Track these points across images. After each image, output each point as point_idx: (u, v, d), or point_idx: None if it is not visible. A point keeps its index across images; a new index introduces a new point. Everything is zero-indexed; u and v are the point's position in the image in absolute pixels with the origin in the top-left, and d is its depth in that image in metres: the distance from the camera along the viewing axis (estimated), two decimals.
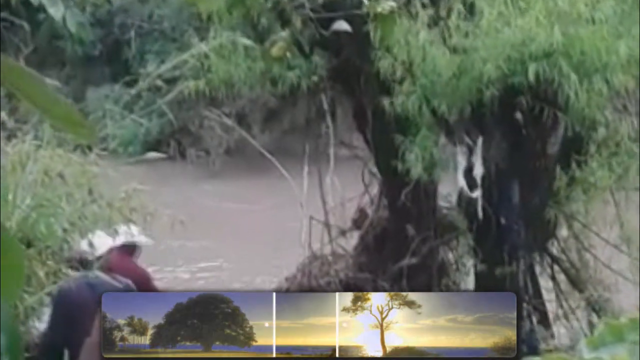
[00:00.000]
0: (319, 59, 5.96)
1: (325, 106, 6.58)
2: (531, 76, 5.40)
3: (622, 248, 6.88)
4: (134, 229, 5.75)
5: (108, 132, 6.68)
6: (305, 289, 7.48)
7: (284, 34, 5.40)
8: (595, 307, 7.33)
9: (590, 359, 1.97)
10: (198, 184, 12.93)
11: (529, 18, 5.31)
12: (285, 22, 5.61)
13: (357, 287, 7.31)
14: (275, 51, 5.37)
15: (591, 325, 7.39)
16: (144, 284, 6.43)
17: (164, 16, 17.10)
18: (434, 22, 5.62)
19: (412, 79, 5.72)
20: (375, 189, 7.14)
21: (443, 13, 5.63)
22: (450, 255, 7.34)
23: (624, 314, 5.14)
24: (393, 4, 3.95)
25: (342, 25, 5.24)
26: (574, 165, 6.16)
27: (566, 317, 7.46)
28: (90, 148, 6.04)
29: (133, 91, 6.77)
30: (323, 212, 7.25)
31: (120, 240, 5.61)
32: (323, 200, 7.12)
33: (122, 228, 5.66)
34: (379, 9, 3.91)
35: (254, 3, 5.61)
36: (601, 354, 1.98)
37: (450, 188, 6.72)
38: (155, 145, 13.96)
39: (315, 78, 6.01)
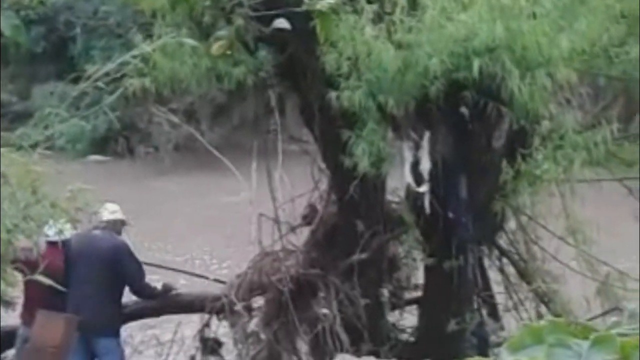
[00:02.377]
0: (265, 56, 5.96)
1: (273, 102, 6.57)
2: (475, 71, 5.45)
3: (568, 240, 6.97)
4: (66, 226, 5.77)
5: (54, 130, 6.61)
6: (256, 286, 7.48)
7: (224, 32, 5.38)
8: (544, 299, 7.43)
9: None
10: (147, 182, 12.85)
11: (472, 13, 5.35)
12: (227, 20, 5.59)
13: (308, 283, 7.32)
14: (215, 49, 5.35)
15: (540, 316, 7.48)
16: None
17: (109, 12, 16.97)
18: (379, 17, 5.64)
19: (358, 75, 5.73)
20: (324, 185, 7.15)
21: (388, 8, 5.65)
22: (400, 250, 7.37)
23: (571, 305, 5.23)
24: (332, 0, 3.96)
25: (281, 24, 5.24)
26: (519, 158, 6.22)
27: (515, 308, 7.55)
28: (34, 147, 5.97)
29: (79, 88, 6.69)
30: (273, 209, 7.24)
31: (52, 237, 5.77)
32: (272, 197, 7.11)
33: (54, 225, 5.69)
34: (318, 6, 3.92)
35: (197, 0, 5.58)
36: (520, 356, 2.00)
37: (398, 183, 6.75)
38: (103, 143, 13.86)
39: (261, 74, 6.00)
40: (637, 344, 2.05)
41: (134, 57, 4.75)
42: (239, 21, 5.41)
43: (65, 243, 6.70)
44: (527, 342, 2.15)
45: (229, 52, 5.40)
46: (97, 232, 7.22)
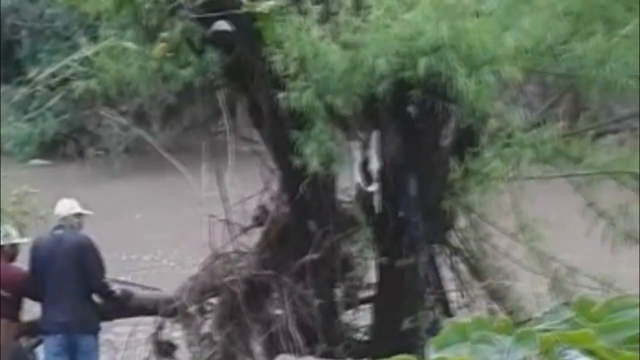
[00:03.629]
0: (212, 57, 5.94)
1: (221, 103, 6.55)
2: (421, 70, 5.47)
3: (519, 237, 7.02)
4: (12, 230, 5.76)
5: (1, 133, 6.56)
6: (209, 288, 7.45)
7: (164, 34, 5.35)
8: (496, 296, 7.48)
9: (434, 359, 2.00)
10: (97, 185, 12.76)
11: (416, 13, 5.37)
12: (172, 22, 5.56)
13: (261, 284, 7.31)
14: (156, 52, 5.33)
15: (492, 313, 7.53)
16: (14, 285, 6.86)
17: (55, 15, 16.81)
18: (324, 18, 5.65)
19: (305, 75, 5.73)
20: (275, 185, 7.14)
21: (333, 9, 5.65)
22: (353, 249, 7.38)
23: (523, 301, 5.28)
24: (272, 2, 3.95)
25: (222, 26, 5.22)
26: (468, 157, 6.26)
27: (468, 306, 7.59)
28: None
29: (26, 91, 6.63)
30: (223, 210, 7.21)
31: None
32: (223, 198, 7.09)
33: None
34: (258, 9, 3.90)
35: (141, 2, 5.54)
36: (445, 353, 2.01)
37: (349, 182, 6.77)
38: (52, 146, 13.73)
39: (209, 76, 5.98)
40: (557, 339, 2.07)
41: (74, 60, 4.71)
42: (179, 24, 5.38)
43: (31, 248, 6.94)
44: (452, 339, 2.16)
45: (170, 55, 5.37)
46: (59, 231, 7.27)
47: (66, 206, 7.39)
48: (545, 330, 2.16)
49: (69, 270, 7.18)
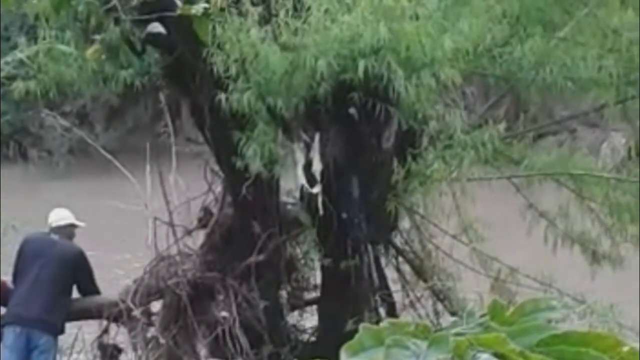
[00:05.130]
0: (153, 58, 5.91)
1: (164, 105, 6.51)
2: (360, 72, 5.49)
3: (461, 237, 7.08)
4: None
5: None
6: (153, 291, 7.40)
7: (99, 36, 5.32)
8: (440, 296, 7.53)
9: None
10: (41, 186, 12.62)
11: (355, 15, 5.38)
12: (115, 23, 5.53)
13: (206, 286, 7.28)
14: (90, 54, 5.29)
15: (437, 313, 7.59)
16: None
17: None
18: (264, 19, 5.64)
19: (246, 76, 5.72)
20: (219, 187, 7.12)
21: (273, 10, 5.65)
22: (298, 251, 7.39)
23: (466, 301, 5.31)
24: (206, 5, 3.93)
25: (156, 28, 5.20)
26: (409, 158, 6.29)
27: (413, 306, 7.64)
28: None
29: None
30: (167, 212, 7.17)
31: None
32: (166, 200, 7.05)
33: None
34: (193, 11, 3.89)
35: (80, 4, 5.49)
36: (360, 359, 2.02)
37: (293, 184, 6.77)
38: None
39: (150, 77, 5.95)
40: (470, 343, 2.09)
41: (8, 63, 4.66)
42: (114, 26, 5.35)
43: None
44: (367, 344, 2.17)
45: (105, 56, 5.33)
46: (54, 236, 7.50)
47: (59, 216, 7.58)
48: (460, 334, 2.18)
49: (52, 272, 7.33)
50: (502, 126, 6.22)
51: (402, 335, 2.20)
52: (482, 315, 2.29)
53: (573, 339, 2.13)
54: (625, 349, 2.10)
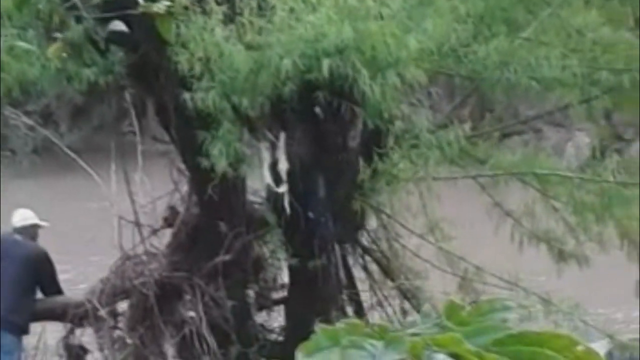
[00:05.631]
0: (117, 56, 5.87)
1: (128, 103, 6.47)
2: (325, 72, 5.48)
3: (428, 237, 7.10)
4: None
5: None
6: (120, 291, 7.36)
7: (61, 34, 5.27)
8: (407, 295, 7.55)
9: None
10: (4, 186, 12.46)
11: (320, 15, 5.38)
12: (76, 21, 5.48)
13: (172, 286, 7.24)
14: (51, 52, 5.24)
15: (404, 312, 7.61)
16: None
17: None
18: (229, 19, 5.62)
19: (211, 75, 5.69)
20: (185, 186, 7.08)
21: (238, 10, 5.63)
22: (265, 250, 7.37)
23: (434, 300, 5.31)
24: (168, 3, 3.92)
25: (118, 26, 5.16)
26: (376, 158, 6.30)
27: (380, 305, 7.65)
28: None
29: None
30: (133, 211, 7.13)
31: None
32: (131, 199, 7.00)
33: None
34: (154, 8, 3.87)
35: (41, 2, 5.44)
36: (316, 359, 2.01)
37: (259, 183, 6.75)
38: None
39: (114, 75, 5.91)
40: (426, 343, 2.09)
41: None
42: (76, 24, 5.31)
43: None
44: (323, 345, 2.16)
45: (66, 55, 5.29)
46: (18, 236, 7.50)
47: (23, 216, 7.55)
48: (416, 334, 2.18)
49: (15, 272, 7.30)
50: (467, 126, 6.24)
51: (359, 336, 2.20)
52: (440, 316, 2.30)
53: (528, 338, 2.14)
54: (580, 348, 2.12)
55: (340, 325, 2.26)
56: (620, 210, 6.41)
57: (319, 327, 2.18)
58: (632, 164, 6.66)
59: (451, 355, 2.06)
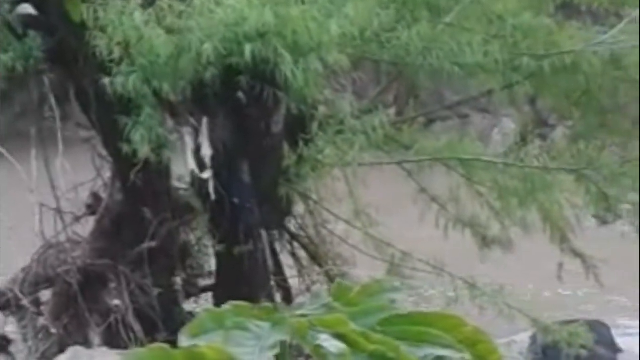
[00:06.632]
0: (34, 41, 5.75)
1: (48, 88, 6.35)
2: (247, 56, 5.44)
3: (355, 223, 7.10)
4: None
5: None
6: (42, 279, 7.24)
7: None
8: (336, 280, 7.55)
9: (187, 347, 1.98)
10: None
11: None
12: None
13: (97, 274, 7.15)
14: None
15: None
16: None
17: None
18: (148, 2, 5.54)
19: (131, 60, 5.61)
20: (108, 172, 6.99)
21: None
22: (192, 237, 7.31)
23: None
24: None
25: (26, 9, 5.06)
26: (300, 143, 6.27)
27: (309, 291, 7.64)
28: None
29: None
30: (54, 198, 7.01)
31: None
32: (52, 186, 6.89)
33: None
34: None
35: None
36: (200, 341, 1.98)
37: (184, 169, 6.68)
38: None
39: (31, 61, 5.79)
40: (312, 324, 2.08)
41: None
42: None
43: None
44: (208, 327, 2.14)
45: None
46: None
47: None
48: (304, 316, 2.17)
49: None
50: (392, 111, 6.24)
51: (245, 318, 2.18)
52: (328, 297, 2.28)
53: (416, 319, 2.14)
54: (469, 328, 2.12)
55: (225, 307, 2.23)
56: (542, 195, 6.48)
57: (204, 309, 2.15)
58: (555, 149, 6.74)
59: (336, 335, 2.05)
